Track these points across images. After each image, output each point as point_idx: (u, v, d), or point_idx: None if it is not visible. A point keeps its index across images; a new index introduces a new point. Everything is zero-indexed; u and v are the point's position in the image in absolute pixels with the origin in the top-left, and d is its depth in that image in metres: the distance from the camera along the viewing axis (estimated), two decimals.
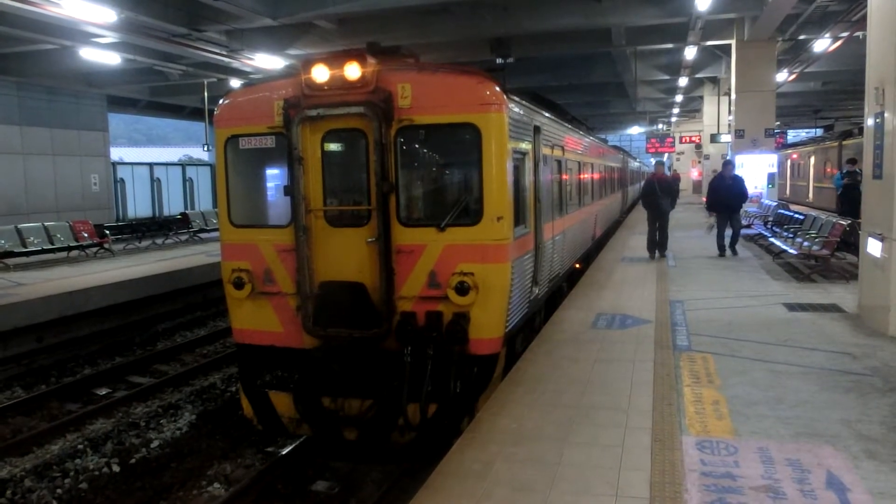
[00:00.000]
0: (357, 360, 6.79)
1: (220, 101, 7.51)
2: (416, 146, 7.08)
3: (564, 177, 10.77)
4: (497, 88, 6.66)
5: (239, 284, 7.21)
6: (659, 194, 14.88)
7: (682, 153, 49.10)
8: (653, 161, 19.16)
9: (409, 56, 7.35)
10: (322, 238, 6.94)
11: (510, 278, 6.77)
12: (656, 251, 15.12)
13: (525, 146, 7.67)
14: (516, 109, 7.30)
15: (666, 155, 50.44)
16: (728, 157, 16.91)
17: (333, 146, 7.15)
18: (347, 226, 6.93)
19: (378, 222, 6.65)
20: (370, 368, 6.76)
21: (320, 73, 6.68)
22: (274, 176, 7.50)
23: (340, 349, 6.81)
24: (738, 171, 16.31)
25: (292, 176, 6.85)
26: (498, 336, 6.77)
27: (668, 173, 17.97)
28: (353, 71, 6.58)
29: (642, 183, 21.06)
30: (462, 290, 6.47)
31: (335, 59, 6.67)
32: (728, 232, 15.16)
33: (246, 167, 7.45)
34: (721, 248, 15.09)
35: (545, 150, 8.88)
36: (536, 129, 8.30)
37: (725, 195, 14.95)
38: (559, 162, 10.23)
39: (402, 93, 6.58)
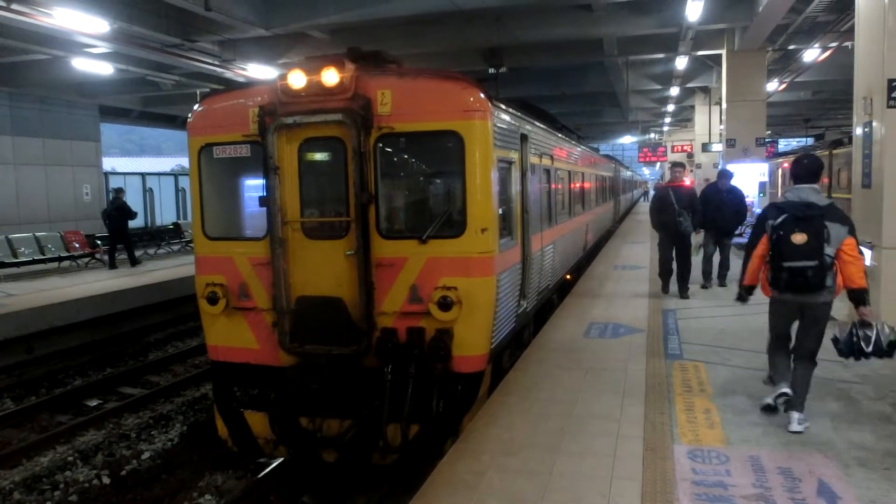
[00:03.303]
0: (335, 379, 6.48)
1: (194, 108, 7.23)
2: (397, 155, 6.87)
3: (554, 186, 10.58)
4: (481, 94, 6.41)
5: (213, 299, 6.95)
6: (676, 209, 10.92)
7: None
8: (645, 171, 18.46)
9: (391, 61, 7.10)
10: (299, 251, 6.66)
11: (495, 292, 6.53)
12: (669, 283, 11.50)
13: (512, 155, 7.45)
14: (502, 116, 7.10)
15: (658, 164, 50.75)
16: (722, 167, 14.10)
17: (311, 155, 6.88)
18: (325, 238, 6.65)
19: (357, 234, 6.36)
20: (349, 387, 6.48)
21: (297, 80, 6.39)
22: (249, 186, 7.23)
23: (318, 367, 6.50)
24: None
25: (268, 186, 6.55)
26: (483, 353, 6.49)
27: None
28: (330, 77, 6.29)
29: (636, 192, 20.28)
30: (445, 305, 6.17)
31: (313, 65, 6.42)
32: (717, 258, 12.14)
33: (220, 177, 7.19)
34: (706, 274, 11.98)
35: (533, 159, 8.69)
36: (524, 138, 8.09)
37: (716, 211, 11.55)
38: (548, 171, 10.06)
39: (382, 99, 6.32)
